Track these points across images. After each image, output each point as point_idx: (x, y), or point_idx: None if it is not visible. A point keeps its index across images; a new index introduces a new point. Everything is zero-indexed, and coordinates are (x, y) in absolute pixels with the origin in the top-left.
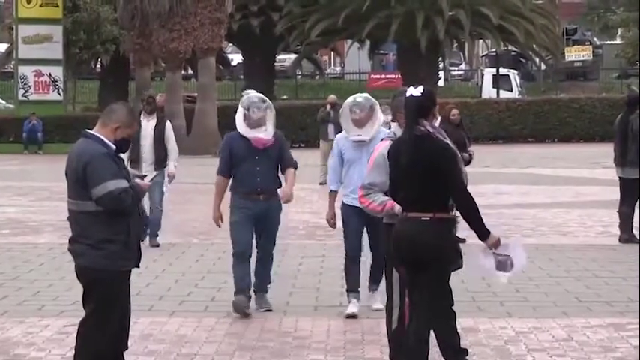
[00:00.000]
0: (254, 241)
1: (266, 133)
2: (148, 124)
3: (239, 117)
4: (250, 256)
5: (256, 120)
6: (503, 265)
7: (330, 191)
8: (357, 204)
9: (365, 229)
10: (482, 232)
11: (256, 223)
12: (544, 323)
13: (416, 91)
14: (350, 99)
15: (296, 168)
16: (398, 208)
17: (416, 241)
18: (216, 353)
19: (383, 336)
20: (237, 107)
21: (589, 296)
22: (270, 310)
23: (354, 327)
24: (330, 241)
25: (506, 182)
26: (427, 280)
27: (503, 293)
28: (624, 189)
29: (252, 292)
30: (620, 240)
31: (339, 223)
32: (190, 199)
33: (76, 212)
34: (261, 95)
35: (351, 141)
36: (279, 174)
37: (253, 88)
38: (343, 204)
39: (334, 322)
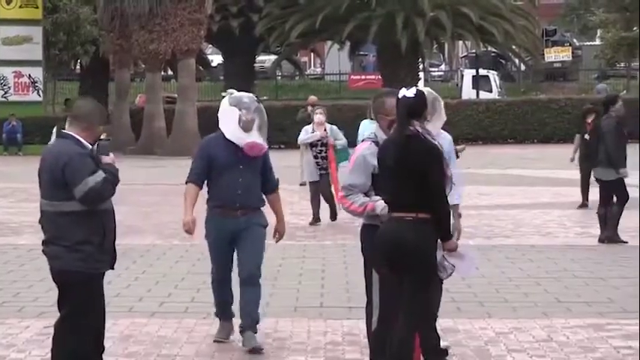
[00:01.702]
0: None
1: (260, 139)
2: None
3: (232, 118)
4: (230, 278)
5: (247, 122)
6: (444, 269)
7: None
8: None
9: None
10: (447, 236)
11: (234, 241)
12: (524, 324)
13: (409, 92)
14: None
15: (277, 186)
16: (379, 209)
17: (399, 241)
18: (196, 354)
19: (363, 337)
20: (221, 107)
21: (569, 297)
22: (260, 351)
23: (334, 328)
24: (310, 242)
25: (486, 183)
26: (412, 282)
27: (483, 294)
28: (599, 189)
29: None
30: (599, 240)
31: None
32: (170, 200)
33: (51, 213)
34: (252, 95)
35: None
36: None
37: (234, 89)
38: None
39: (314, 323)
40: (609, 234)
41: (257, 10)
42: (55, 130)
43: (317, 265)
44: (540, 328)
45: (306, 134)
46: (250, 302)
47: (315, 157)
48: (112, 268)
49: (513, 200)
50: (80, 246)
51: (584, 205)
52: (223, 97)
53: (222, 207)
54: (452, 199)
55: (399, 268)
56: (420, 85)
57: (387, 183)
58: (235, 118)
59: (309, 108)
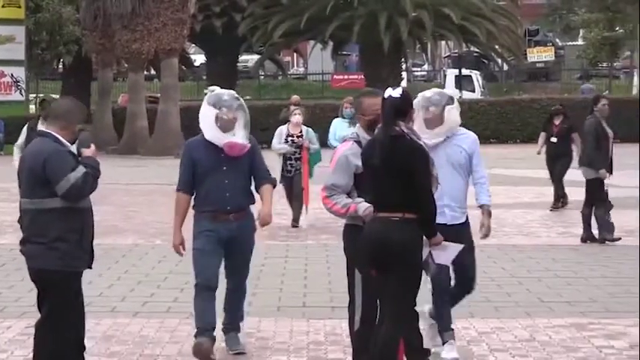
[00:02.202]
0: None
1: (241, 138)
2: None
3: (208, 118)
4: (216, 288)
5: (228, 122)
6: (429, 267)
7: None
8: (439, 220)
9: None
10: (433, 233)
11: (225, 248)
12: (506, 323)
13: (395, 92)
14: (427, 93)
15: (274, 185)
16: (361, 210)
17: (385, 241)
18: (179, 354)
19: (345, 337)
20: (201, 107)
21: (551, 296)
22: (243, 354)
23: (316, 328)
24: (293, 242)
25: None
26: (398, 282)
27: None
28: (585, 188)
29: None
30: (581, 239)
31: None
32: (153, 200)
33: (32, 211)
34: (233, 92)
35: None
36: (253, 189)
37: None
38: None
39: (297, 322)
40: (603, 236)
41: (240, 9)
42: (25, 128)
43: (299, 265)
44: (523, 328)
45: (279, 138)
46: (236, 303)
47: (289, 158)
48: (90, 267)
49: (496, 200)
50: (57, 243)
51: (555, 206)
52: (206, 94)
53: (214, 212)
54: (483, 199)
55: (385, 268)
56: (403, 83)
57: (373, 183)
58: (212, 118)
59: (292, 107)
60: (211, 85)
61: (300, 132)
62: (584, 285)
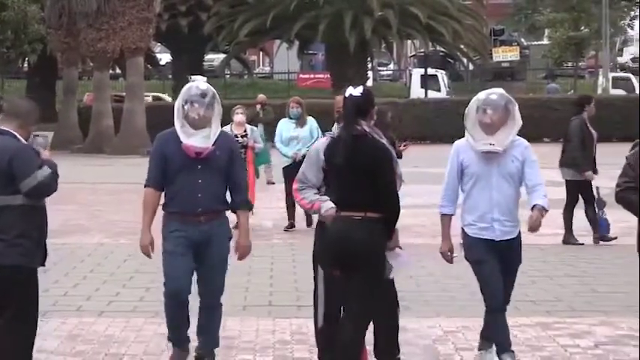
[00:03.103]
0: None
1: (205, 140)
2: None
3: (177, 113)
4: (188, 296)
5: (196, 120)
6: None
7: (443, 215)
8: (486, 235)
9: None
10: (391, 235)
11: (196, 252)
12: (472, 322)
13: (355, 91)
14: (481, 94)
15: (251, 209)
16: (323, 209)
17: (347, 240)
18: (144, 353)
19: (311, 336)
20: (174, 105)
21: (516, 295)
22: None
23: (282, 327)
24: (258, 241)
25: (434, 182)
26: (361, 282)
27: (431, 293)
28: (566, 189)
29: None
30: (563, 241)
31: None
32: (119, 199)
33: None
34: (207, 86)
35: (477, 151)
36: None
37: (182, 88)
38: (467, 235)
39: (263, 321)
40: (601, 235)
41: (206, 8)
42: None
43: (266, 264)
44: None
45: None
46: (209, 323)
47: None
48: (43, 265)
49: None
50: (19, 239)
51: None
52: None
53: (183, 213)
54: (537, 200)
55: (347, 268)
56: (369, 82)
57: (335, 182)
58: (180, 114)
59: (258, 107)
60: (177, 84)
61: (245, 131)
62: (550, 284)
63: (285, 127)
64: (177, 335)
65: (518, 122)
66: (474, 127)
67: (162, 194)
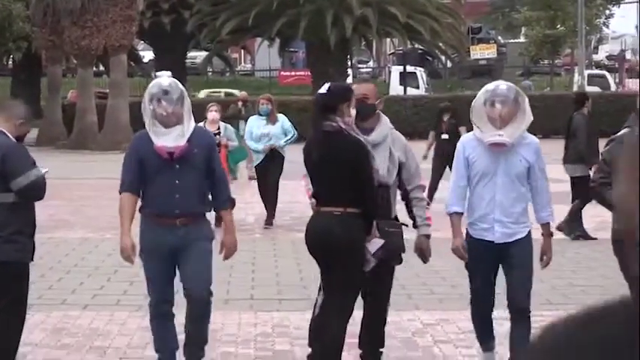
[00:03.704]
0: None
1: (177, 138)
2: None
3: (146, 112)
4: (172, 305)
5: (165, 117)
6: (367, 262)
7: (452, 213)
8: (487, 237)
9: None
10: (370, 228)
11: (175, 258)
12: (450, 315)
13: (322, 88)
14: (489, 86)
15: (233, 205)
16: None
17: (327, 235)
18: (128, 346)
19: (293, 328)
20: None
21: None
22: None
23: (264, 320)
24: (241, 236)
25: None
26: (340, 275)
27: (410, 286)
28: (571, 186)
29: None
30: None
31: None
32: (102, 194)
33: None
34: (173, 80)
35: (485, 145)
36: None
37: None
38: (469, 236)
39: (245, 315)
40: (568, 228)
41: (188, 6)
42: None
43: (247, 259)
44: (467, 320)
45: None
46: (196, 328)
47: None
48: (32, 260)
49: (440, 193)
50: (15, 236)
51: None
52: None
53: (159, 215)
54: (542, 217)
55: (328, 262)
56: (349, 80)
57: (315, 178)
58: (149, 113)
59: (240, 103)
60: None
61: (218, 129)
62: None
63: (255, 124)
64: (165, 351)
65: (529, 116)
66: (481, 121)
67: (140, 197)
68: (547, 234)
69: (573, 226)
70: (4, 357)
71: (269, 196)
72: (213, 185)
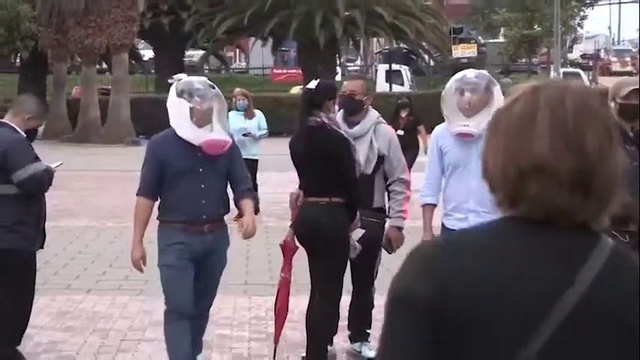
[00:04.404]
0: None
1: (220, 133)
2: None
3: (182, 112)
4: (192, 314)
5: (203, 115)
6: (353, 249)
7: (425, 205)
8: (464, 227)
9: None
10: (354, 217)
11: (197, 265)
12: None
13: (311, 84)
14: (459, 75)
15: (257, 202)
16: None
17: (314, 224)
18: (129, 329)
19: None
20: (169, 98)
21: None
22: None
23: (258, 304)
24: (234, 224)
25: None
26: (326, 262)
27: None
28: None
29: None
30: None
31: None
32: (105, 185)
33: None
34: (205, 79)
35: (454, 135)
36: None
37: (164, 82)
38: (444, 227)
39: (240, 299)
40: None
41: (186, 8)
42: None
43: (242, 246)
44: None
45: None
46: (196, 330)
47: None
48: (42, 247)
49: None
50: (18, 226)
51: None
52: (170, 85)
53: (186, 222)
54: None
55: (314, 250)
56: (337, 77)
57: (301, 170)
58: (186, 112)
59: (234, 99)
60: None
61: None
62: None
63: (233, 120)
64: (181, 358)
65: (501, 104)
66: (450, 110)
67: (157, 203)
68: None
69: None
70: (11, 340)
71: None
72: (234, 179)
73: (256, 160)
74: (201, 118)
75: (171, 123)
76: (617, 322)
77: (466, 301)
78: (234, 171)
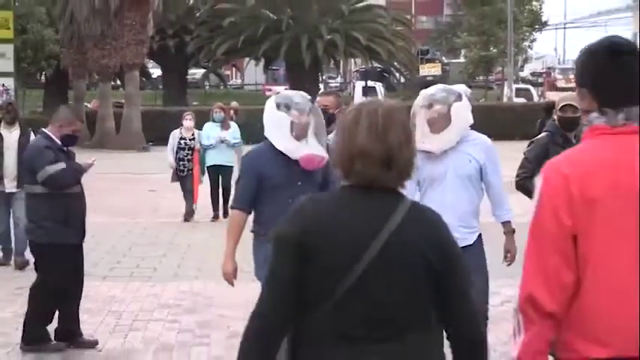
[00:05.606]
0: None
1: (317, 148)
2: (10, 135)
3: (281, 125)
4: None
5: (302, 128)
6: None
7: None
8: None
9: None
10: None
11: None
12: None
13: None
14: (428, 90)
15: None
16: None
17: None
18: (140, 310)
19: None
20: (266, 110)
21: None
22: None
23: (252, 287)
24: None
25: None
26: None
27: None
28: None
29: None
30: None
31: None
32: (119, 186)
33: (25, 195)
34: (304, 93)
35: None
36: None
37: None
38: None
39: (236, 284)
40: None
41: (189, 32)
42: None
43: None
44: None
45: (173, 140)
46: None
47: (182, 159)
48: (81, 242)
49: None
50: (43, 222)
51: None
52: (268, 97)
53: None
54: (502, 215)
55: None
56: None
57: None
58: (286, 125)
59: (231, 112)
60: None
61: (192, 135)
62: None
63: (210, 129)
64: None
65: (465, 120)
66: (418, 124)
67: (252, 217)
68: (509, 231)
69: None
70: (41, 321)
71: (218, 195)
72: (326, 187)
73: (231, 167)
74: (298, 132)
75: (268, 134)
76: (415, 251)
77: (316, 236)
78: (329, 180)
